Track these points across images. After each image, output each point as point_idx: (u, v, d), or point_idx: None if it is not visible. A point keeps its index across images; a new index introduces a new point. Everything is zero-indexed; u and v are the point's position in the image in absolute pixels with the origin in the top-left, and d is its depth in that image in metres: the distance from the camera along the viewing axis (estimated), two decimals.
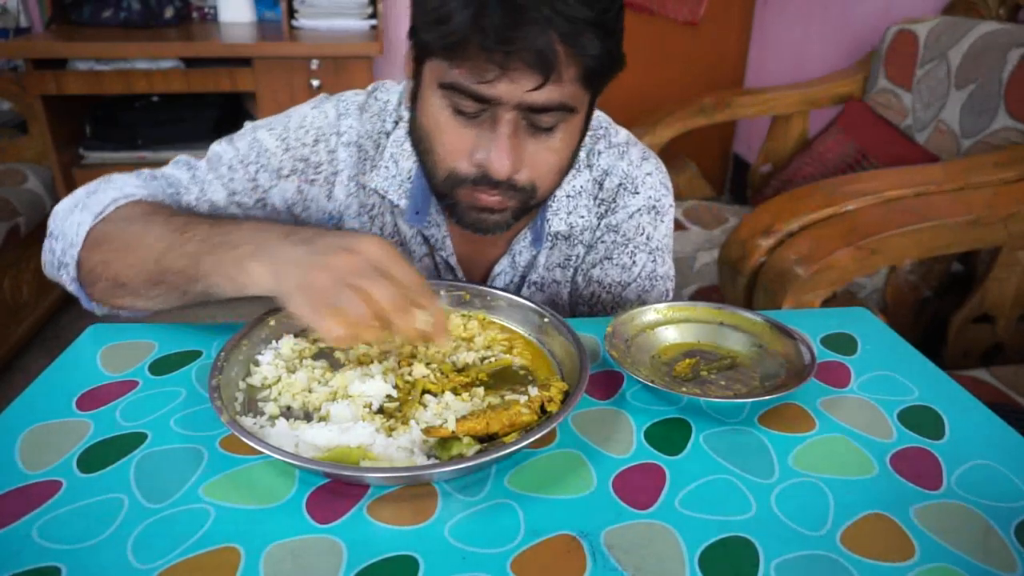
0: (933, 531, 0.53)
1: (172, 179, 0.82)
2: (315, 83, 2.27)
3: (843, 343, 0.80)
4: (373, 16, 2.52)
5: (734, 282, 1.46)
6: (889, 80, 2.02)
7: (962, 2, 1.96)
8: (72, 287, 0.75)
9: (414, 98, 0.73)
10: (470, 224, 0.75)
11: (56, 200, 2.32)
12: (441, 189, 0.74)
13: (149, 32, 2.33)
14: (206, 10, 2.62)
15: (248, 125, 0.86)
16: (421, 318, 0.58)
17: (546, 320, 0.74)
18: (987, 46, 1.71)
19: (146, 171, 0.82)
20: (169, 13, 2.43)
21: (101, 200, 0.74)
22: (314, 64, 2.25)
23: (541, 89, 0.63)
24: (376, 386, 0.63)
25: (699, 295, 1.73)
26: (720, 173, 3.41)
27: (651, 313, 0.78)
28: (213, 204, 0.82)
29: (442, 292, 0.80)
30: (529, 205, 0.75)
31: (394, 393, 0.64)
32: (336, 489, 0.55)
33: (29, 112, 2.28)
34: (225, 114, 2.49)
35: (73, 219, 0.74)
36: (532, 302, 0.77)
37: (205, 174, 0.82)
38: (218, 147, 0.84)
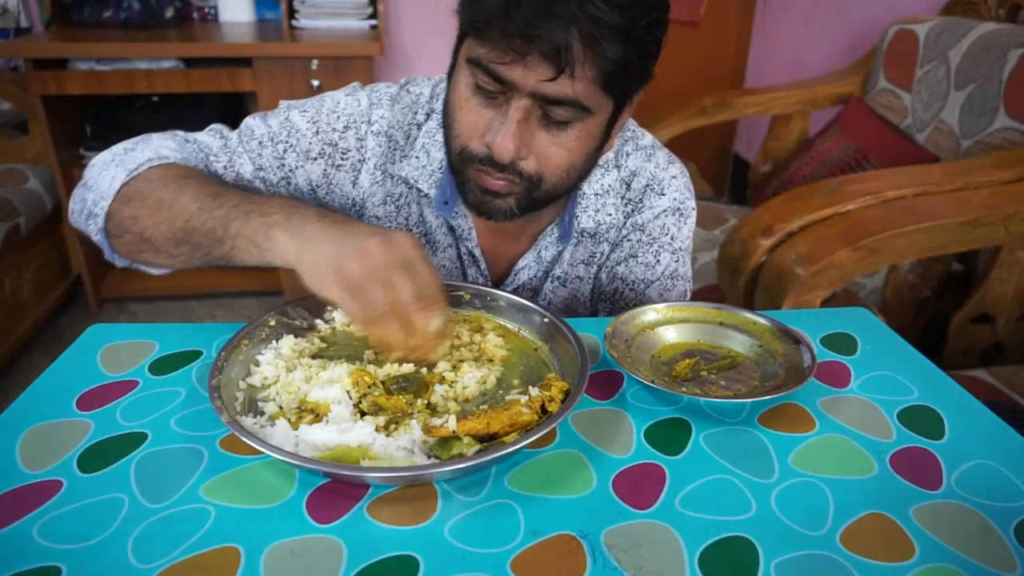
0: (933, 531, 0.53)
1: (204, 145, 0.85)
2: (315, 83, 2.27)
3: (843, 343, 0.80)
4: (373, 16, 2.53)
5: (734, 282, 1.46)
6: (889, 80, 2.02)
7: (961, 2, 1.96)
8: (97, 237, 0.78)
9: (450, 76, 0.76)
10: (475, 205, 0.77)
11: (56, 200, 2.32)
12: (455, 165, 0.77)
13: (149, 32, 2.33)
14: (206, 10, 2.62)
15: (282, 103, 0.88)
16: (434, 321, 0.62)
17: (546, 320, 0.74)
18: (987, 46, 1.71)
19: (181, 134, 0.85)
20: (169, 13, 2.43)
21: (137, 158, 0.77)
22: (314, 64, 2.25)
23: (555, 81, 0.65)
24: (332, 392, 0.62)
25: (699, 295, 1.72)
26: (720, 173, 3.41)
27: (651, 313, 0.78)
28: (239, 176, 0.84)
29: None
30: (534, 197, 0.76)
31: (349, 401, 0.62)
32: (336, 489, 0.55)
33: (29, 112, 2.28)
34: (225, 114, 2.50)
35: (108, 172, 0.77)
36: (532, 302, 0.77)
37: (236, 145, 0.85)
38: (252, 121, 0.86)
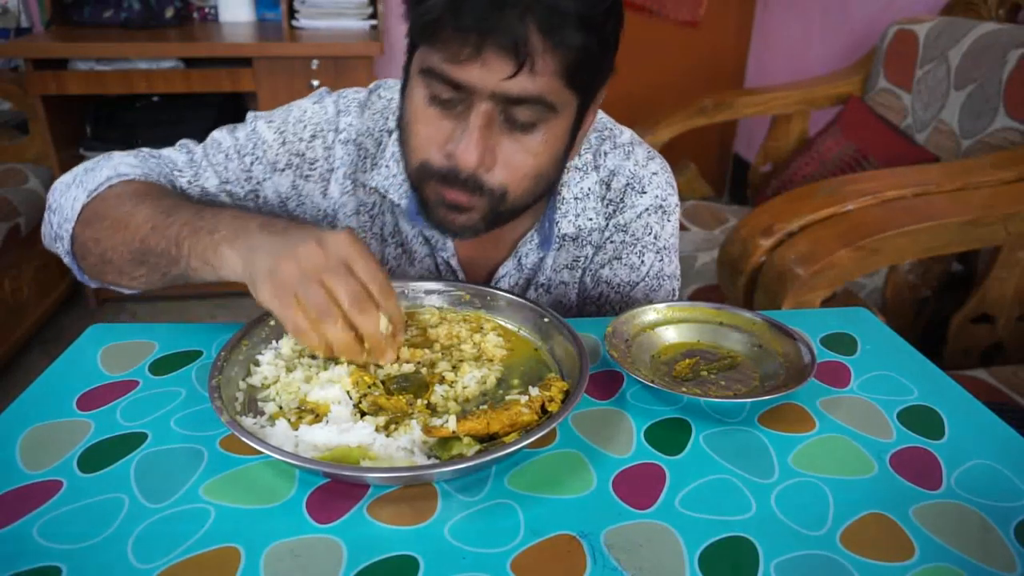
0: (933, 531, 0.53)
1: (169, 160, 0.84)
2: (315, 83, 2.27)
3: (843, 343, 0.80)
4: (373, 16, 2.53)
5: (734, 282, 1.46)
6: (889, 80, 2.02)
7: (961, 2, 1.96)
8: (67, 259, 0.78)
9: (403, 91, 0.73)
10: (438, 224, 0.74)
11: None
12: (413, 182, 0.73)
13: (149, 32, 2.33)
14: (206, 10, 2.62)
15: (250, 115, 0.86)
16: (383, 322, 0.60)
17: (546, 320, 0.74)
18: (987, 46, 1.71)
19: (146, 150, 0.84)
20: (169, 13, 2.43)
21: (96, 178, 0.76)
22: (314, 64, 2.25)
23: (516, 78, 0.62)
24: (332, 393, 0.62)
25: (699, 295, 1.73)
26: (720, 173, 3.41)
27: (651, 313, 0.78)
28: (204, 190, 0.83)
29: (442, 291, 0.80)
30: (499, 211, 0.72)
31: (349, 401, 0.62)
32: (336, 489, 0.55)
33: (29, 112, 2.28)
34: (225, 114, 2.50)
35: (70, 194, 0.76)
36: (532, 302, 0.77)
37: (201, 159, 0.83)
38: (218, 134, 0.85)
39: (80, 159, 2.35)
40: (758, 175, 2.39)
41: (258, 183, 0.83)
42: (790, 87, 2.27)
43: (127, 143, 2.36)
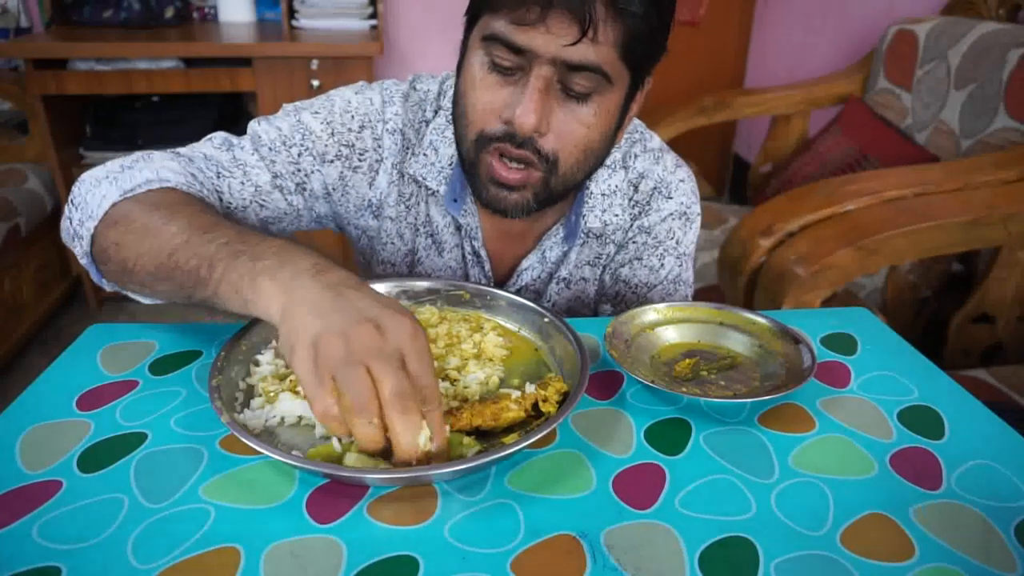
0: (933, 531, 0.53)
1: (214, 161, 0.78)
2: (315, 83, 2.27)
3: (843, 343, 0.80)
4: (373, 16, 2.52)
5: (734, 282, 1.46)
6: (889, 80, 2.02)
7: (961, 2, 1.96)
8: (83, 260, 0.72)
9: (459, 69, 0.74)
10: (490, 201, 0.75)
11: (56, 200, 2.32)
12: (468, 156, 0.75)
13: (149, 32, 2.33)
14: (206, 10, 2.62)
15: (287, 106, 0.84)
16: (424, 434, 0.51)
17: (546, 320, 0.74)
18: (987, 46, 1.71)
19: (184, 153, 0.78)
20: (169, 13, 2.43)
21: (134, 178, 0.70)
22: (314, 64, 2.25)
23: (577, 45, 0.64)
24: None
25: (699, 295, 1.73)
26: (720, 173, 3.41)
27: (651, 313, 0.78)
28: (258, 188, 0.79)
29: (442, 291, 0.80)
30: (551, 186, 0.74)
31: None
32: (336, 489, 0.55)
33: (29, 112, 2.28)
34: (225, 114, 2.49)
35: (99, 191, 0.69)
36: (532, 302, 0.77)
37: (248, 156, 0.79)
38: (258, 127, 0.82)
39: (80, 159, 2.35)
40: (758, 175, 2.39)
41: (306, 175, 0.82)
42: (790, 87, 2.28)
43: (127, 143, 2.39)
